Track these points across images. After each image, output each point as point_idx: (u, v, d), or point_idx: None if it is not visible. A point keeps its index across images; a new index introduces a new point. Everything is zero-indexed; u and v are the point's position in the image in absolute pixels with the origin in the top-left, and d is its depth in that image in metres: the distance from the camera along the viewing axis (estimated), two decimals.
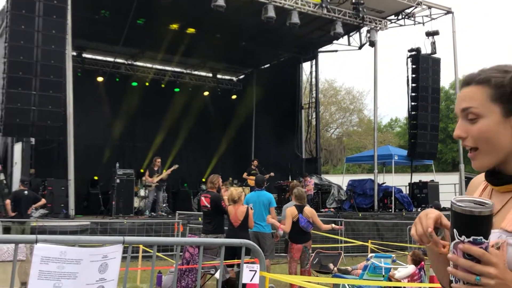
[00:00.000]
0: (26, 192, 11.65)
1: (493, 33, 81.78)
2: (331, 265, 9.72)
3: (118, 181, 14.86)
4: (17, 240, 3.36)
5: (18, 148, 14.58)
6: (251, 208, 8.84)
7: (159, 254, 9.74)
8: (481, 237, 1.24)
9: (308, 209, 8.66)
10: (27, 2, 12.53)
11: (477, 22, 77.92)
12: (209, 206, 8.85)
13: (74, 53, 18.82)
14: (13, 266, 3.18)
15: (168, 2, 16.37)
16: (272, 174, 17.35)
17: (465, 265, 1.26)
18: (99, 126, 20.12)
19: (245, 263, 4.36)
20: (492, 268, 1.26)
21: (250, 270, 4.69)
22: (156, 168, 15.54)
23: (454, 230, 1.27)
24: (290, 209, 8.55)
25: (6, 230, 11.06)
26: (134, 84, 22.03)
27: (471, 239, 1.24)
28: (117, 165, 15.58)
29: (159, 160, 15.76)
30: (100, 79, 20.37)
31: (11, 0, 12.49)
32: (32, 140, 14.12)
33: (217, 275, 8.09)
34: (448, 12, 19.35)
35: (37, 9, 12.57)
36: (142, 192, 15.96)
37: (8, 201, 11.46)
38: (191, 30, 19.28)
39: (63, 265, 2.93)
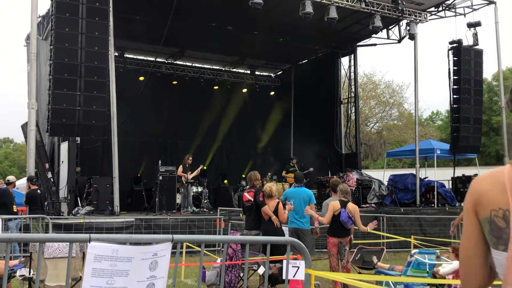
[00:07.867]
0: (39, 191, 12.01)
1: None
2: (374, 259, 9.64)
3: (160, 178, 15.16)
4: (71, 239, 3.48)
5: (64, 147, 15.02)
6: (291, 204, 8.87)
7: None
8: None
9: (351, 205, 8.54)
10: (71, 5, 12.90)
11: None
12: (253, 200, 8.94)
13: (116, 54, 19.20)
14: (68, 264, 3.33)
15: (206, 0, 16.53)
16: (311, 169, 17.36)
17: None
18: (142, 125, 20.48)
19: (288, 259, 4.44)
20: None
21: (293, 266, 4.79)
22: (187, 166, 15.82)
23: None
24: (333, 203, 8.49)
25: (26, 226, 11.25)
26: (175, 82, 22.42)
27: None
28: (160, 162, 15.86)
29: (190, 158, 16.04)
30: (141, 78, 20.76)
31: (55, 4, 12.88)
32: (78, 139, 14.50)
33: (260, 270, 8.19)
34: (491, 2, 18.87)
35: (81, 12, 12.94)
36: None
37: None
38: (229, 28, 19.41)
39: (115, 263, 3.05)
